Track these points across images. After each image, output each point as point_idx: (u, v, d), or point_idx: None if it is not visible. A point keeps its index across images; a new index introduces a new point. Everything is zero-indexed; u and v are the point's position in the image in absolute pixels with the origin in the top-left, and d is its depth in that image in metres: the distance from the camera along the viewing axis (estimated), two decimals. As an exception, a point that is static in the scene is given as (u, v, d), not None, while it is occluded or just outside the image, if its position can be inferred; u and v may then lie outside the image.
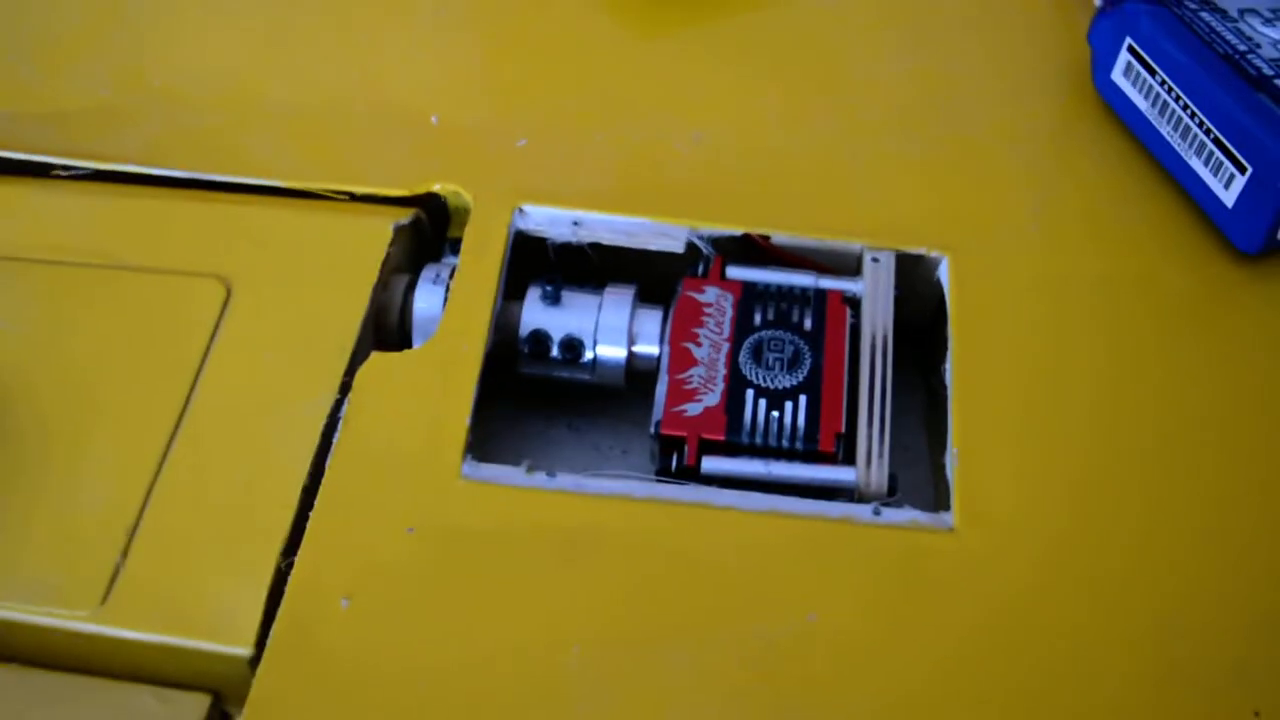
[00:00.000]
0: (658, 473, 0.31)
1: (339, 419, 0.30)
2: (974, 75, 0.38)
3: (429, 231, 0.35)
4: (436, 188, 0.34)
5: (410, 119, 0.36)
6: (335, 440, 0.30)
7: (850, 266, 0.34)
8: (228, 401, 0.30)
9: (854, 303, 0.33)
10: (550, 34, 0.39)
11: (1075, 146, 0.36)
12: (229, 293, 0.32)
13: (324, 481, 0.29)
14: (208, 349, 0.31)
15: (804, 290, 0.33)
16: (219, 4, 0.39)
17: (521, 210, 0.34)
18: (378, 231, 0.33)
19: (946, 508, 0.30)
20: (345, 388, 0.31)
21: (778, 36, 0.38)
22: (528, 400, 0.35)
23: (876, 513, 0.29)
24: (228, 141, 0.36)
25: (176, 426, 0.30)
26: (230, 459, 0.29)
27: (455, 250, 0.34)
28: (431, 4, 0.40)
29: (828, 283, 0.33)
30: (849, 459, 0.30)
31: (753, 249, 0.34)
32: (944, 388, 0.32)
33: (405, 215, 0.34)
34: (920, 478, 0.33)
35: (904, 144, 0.36)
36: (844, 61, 0.38)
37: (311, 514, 0.28)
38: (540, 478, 0.29)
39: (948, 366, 0.32)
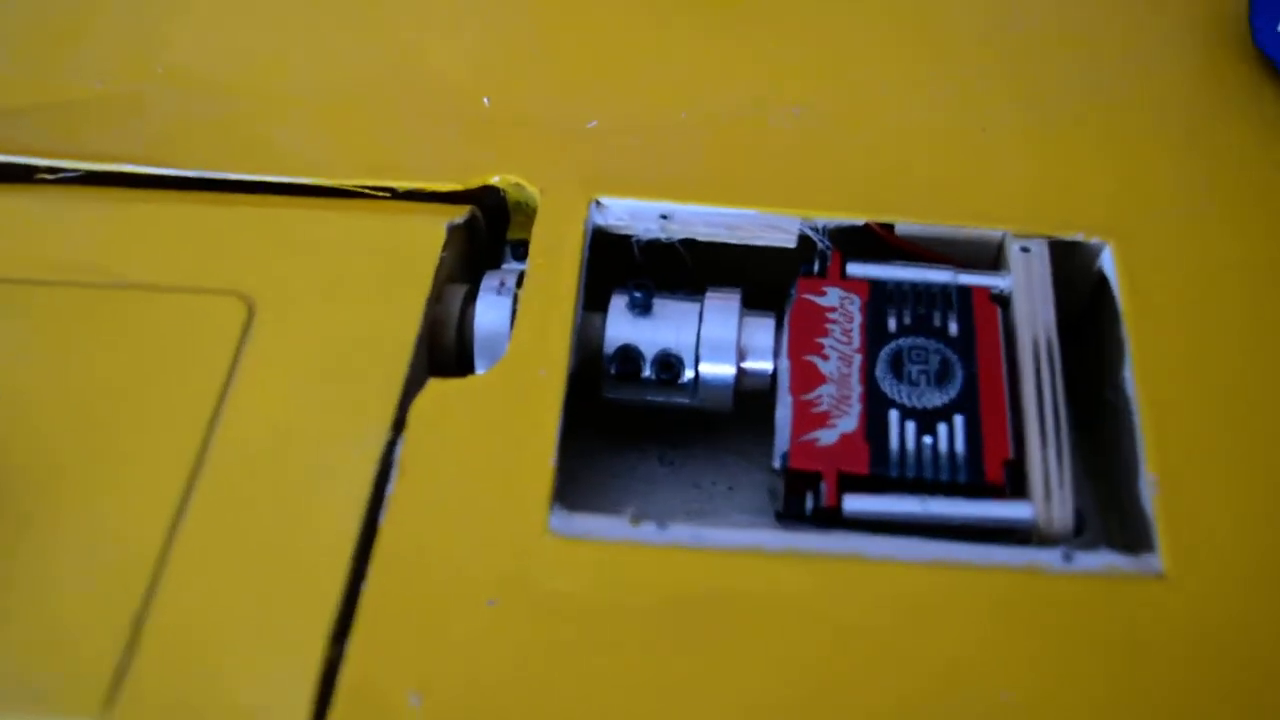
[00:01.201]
0: (783, 516, 0.25)
1: (393, 463, 0.24)
2: (1110, 31, 0.32)
3: (484, 233, 0.30)
4: (494, 180, 0.29)
5: (460, 100, 0.30)
6: (389, 491, 0.24)
7: (989, 258, 0.29)
8: (254, 447, 0.25)
9: (1003, 300, 0.27)
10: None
11: (1235, 109, 0.31)
12: (251, 312, 0.26)
13: (378, 544, 0.23)
14: (227, 382, 0.25)
15: (943, 288, 0.27)
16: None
17: (598, 203, 0.28)
18: (428, 233, 0.28)
19: (1147, 548, 0.24)
20: (399, 424, 0.25)
21: (887, -3, 0.33)
22: (607, 428, 0.30)
23: (1067, 558, 0.24)
24: (247, 134, 0.30)
25: (191, 481, 0.24)
26: (260, 519, 0.24)
27: (516, 254, 0.29)
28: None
29: (970, 278, 0.28)
30: (1019, 491, 0.25)
31: (873, 242, 0.28)
32: (1122, 399, 0.26)
33: (459, 213, 0.28)
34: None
35: (1040, 112, 0.30)
36: (963, 20, 0.32)
37: (364, 586, 0.23)
38: (649, 530, 0.24)
39: (1127, 373, 0.26)
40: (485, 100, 0.30)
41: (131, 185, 0.29)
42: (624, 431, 0.30)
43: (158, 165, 0.29)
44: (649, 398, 0.28)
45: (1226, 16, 0.32)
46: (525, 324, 0.26)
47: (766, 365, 0.27)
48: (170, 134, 0.30)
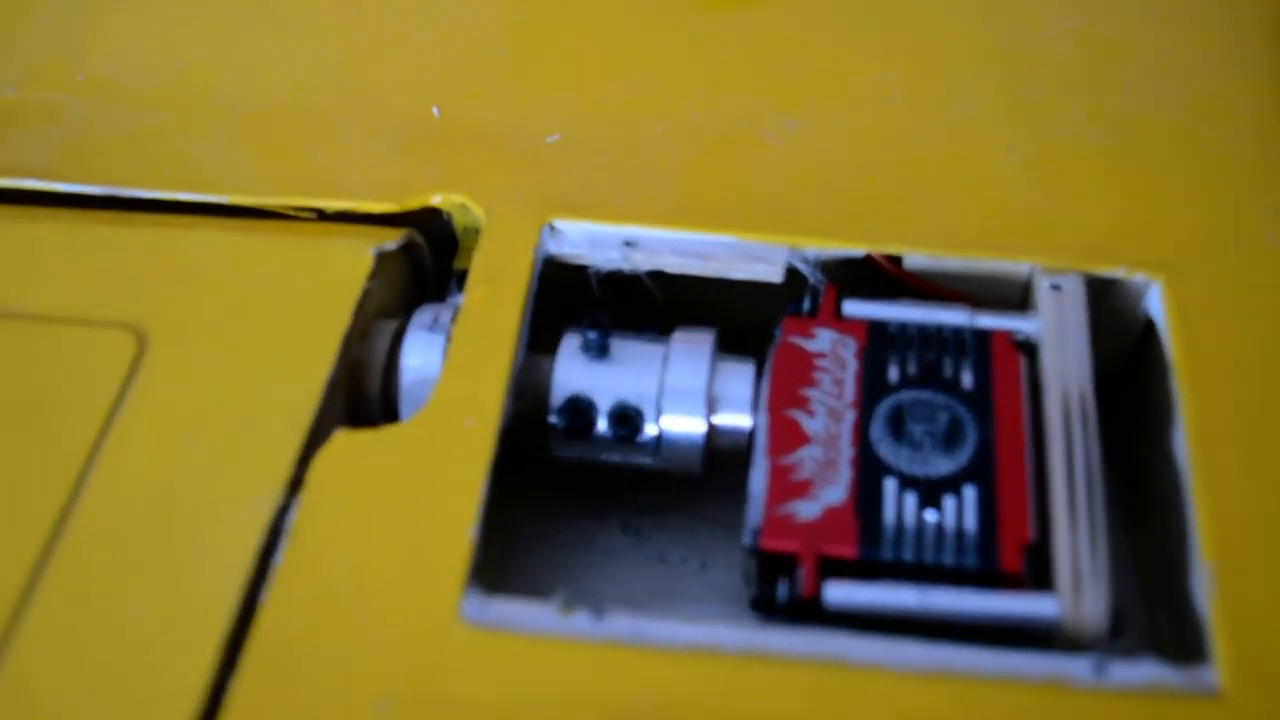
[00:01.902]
0: (755, 604, 0.21)
1: (282, 530, 0.20)
2: (1160, 35, 0.28)
3: (430, 261, 0.26)
4: (436, 200, 0.25)
5: (404, 111, 0.27)
6: (275, 564, 0.20)
7: (1013, 296, 0.24)
8: (126, 504, 0.21)
9: (1029, 348, 0.23)
10: (591, -1, 0.29)
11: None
12: (142, 347, 0.23)
13: (255, 628, 0.19)
14: (105, 428, 0.22)
15: (956, 332, 0.23)
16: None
17: (552, 228, 0.24)
18: (353, 260, 0.24)
19: (1199, 657, 0.19)
20: (296, 483, 0.21)
21: (893, -4, 0.29)
22: (564, 488, 0.25)
23: (1100, 669, 0.19)
24: (166, 148, 0.26)
25: (50, 542, 0.20)
26: (121, 592, 0.20)
27: (463, 285, 0.25)
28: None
29: (989, 320, 0.23)
30: (1042, 582, 0.20)
31: (877, 276, 0.24)
32: (1171, 469, 0.22)
33: (393, 237, 0.24)
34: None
35: (1072, 127, 0.26)
36: (980, 24, 0.28)
37: (233, 681, 0.19)
38: (582, 620, 0.19)
39: (1178, 438, 0.22)
40: (435, 110, 0.26)
41: (34, 203, 0.26)
42: (584, 492, 0.25)
43: (64, 181, 0.26)
44: (604, 456, 0.23)
45: (1298, 22, 0.28)
46: (455, 366, 0.22)
47: (743, 420, 0.23)
48: (83, 147, 0.27)
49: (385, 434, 0.21)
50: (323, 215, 0.25)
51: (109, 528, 0.20)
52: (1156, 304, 0.23)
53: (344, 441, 0.21)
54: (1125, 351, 0.24)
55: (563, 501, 0.25)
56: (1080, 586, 0.20)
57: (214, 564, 0.20)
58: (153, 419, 0.22)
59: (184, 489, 0.21)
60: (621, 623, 0.19)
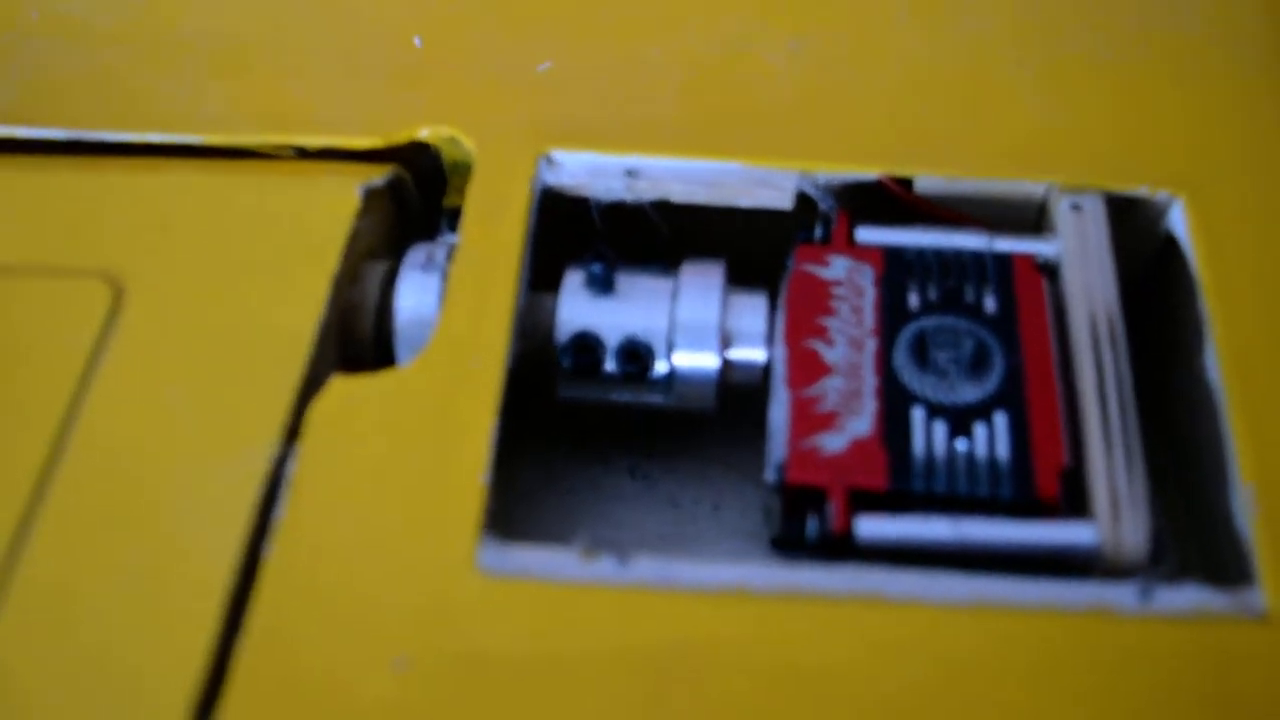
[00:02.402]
0: (778, 542, 0.20)
1: (282, 481, 0.19)
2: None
3: (416, 198, 0.24)
4: (423, 133, 0.24)
5: (385, 40, 0.25)
6: (277, 517, 0.19)
7: (1030, 218, 0.23)
8: (112, 461, 0.19)
9: (1050, 270, 0.22)
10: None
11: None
12: (119, 297, 0.21)
13: (259, 585, 0.18)
14: (84, 381, 0.20)
15: (976, 255, 0.22)
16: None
17: (549, 158, 0.23)
18: (338, 198, 0.22)
19: (1245, 580, 0.19)
20: (293, 432, 0.20)
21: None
22: (568, 433, 0.24)
23: (1145, 595, 0.18)
24: (130, 86, 0.25)
25: (33, 504, 0.19)
26: (114, 552, 0.19)
27: (453, 224, 0.24)
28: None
29: (1007, 244, 0.22)
30: (1079, 509, 0.19)
31: (888, 200, 0.23)
32: (1203, 390, 0.21)
33: (379, 174, 0.23)
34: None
35: (1087, 43, 0.25)
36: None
37: (239, 639, 0.18)
38: (606, 565, 0.18)
39: (1209, 358, 0.21)
40: (416, 40, 0.25)
41: (-9, 149, 0.24)
42: (588, 437, 0.24)
43: (22, 125, 0.24)
44: (613, 397, 0.22)
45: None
46: (455, 306, 0.21)
47: (758, 354, 0.22)
48: (42, 88, 0.25)
49: (385, 378, 0.20)
50: (303, 153, 0.24)
51: (94, 489, 0.19)
52: (1179, 222, 0.22)
53: (341, 387, 0.20)
54: (1142, 271, 0.24)
55: (566, 446, 0.24)
56: (1119, 512, 0.19)
57: (210, 521, 0.19)
58: (134, 372, 0.20)
59: (172, 445, 0.20)
60: (647, 567, 0.18)
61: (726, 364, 0.22)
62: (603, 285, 0.22)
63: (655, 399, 0.22)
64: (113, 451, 0.20)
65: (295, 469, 0.19)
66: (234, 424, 0.20)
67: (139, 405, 0.20)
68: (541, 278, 0.23)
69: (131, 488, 0.19)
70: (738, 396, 0.22)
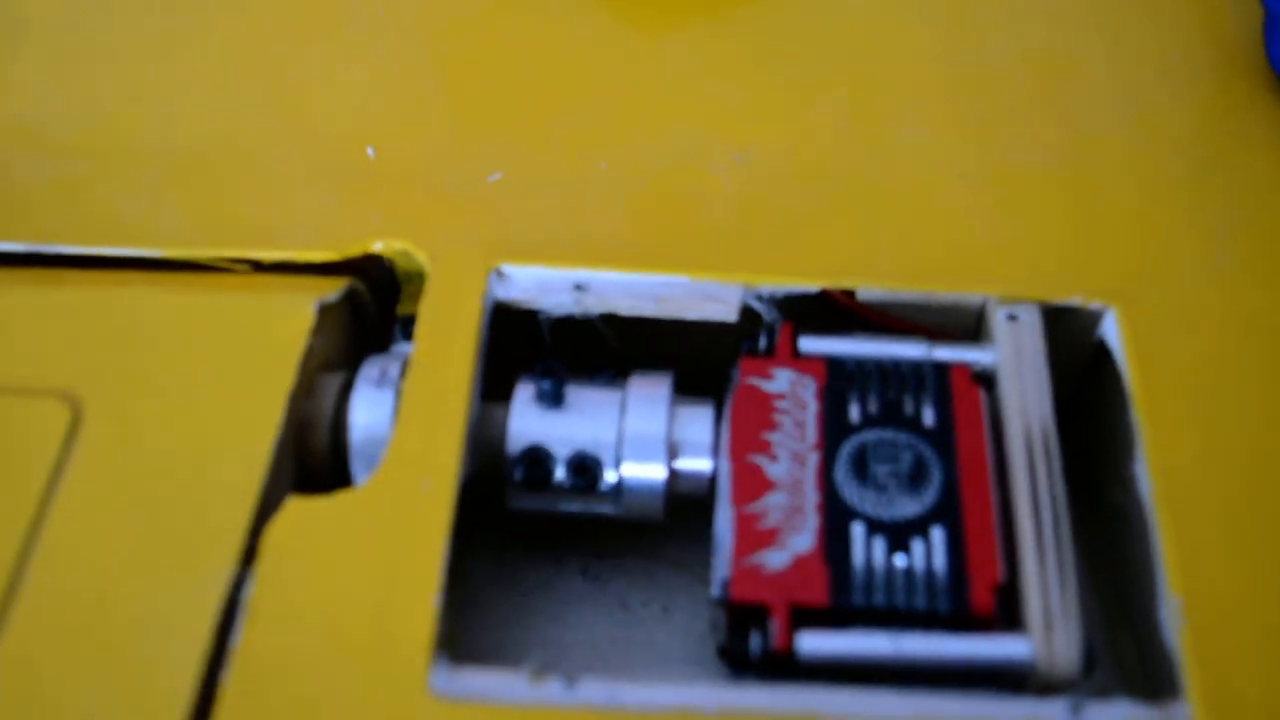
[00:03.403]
0: (724, 654, 0.21)
1: (239, 604, 0.19)
2: (1102, 55, 0.28)
3: (372, 308, 0.25)
4: (378, 246, 0.24)
5: (339, 153, 0.26)
6: (233, 642, 0.19)
7: (969, 327, 0.24)
8: (70, 587, 0.20)
9: (987, 379, 0.23)
10: (530, 31, 0.28)
11: (1253, 144, 0.26)
12: (77, 417, 0.22)
13: (217, 712, 0.19)
14: (43, 504, 0.21)
15: (915, 366, 0.23)
16: (73, 17, 0.29)
17: (499, 272, 0.24)
18: (294, 314, 0.23)
19: (1172, 693, 0.19)
20: (250, 554, 0.20)
21: (838, 20, 0.28)
22: (523, 532, 0.25)
23: (1076, 710, 0.19)
24: (87, 199, 0.25)
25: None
26: (69, 682, 0.19)
27: (407, 332, 0.24)
28: (366, 3, 0.29)
29: (946, 352, 0.23)
30: (1013, 622, 0.20)
31: (833, 311, 0.24)
32: (1132, 500, 0.22)
33: (334, 288, 0.24)
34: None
35: (1023, 153, 0.26)
36: (928, 47, 0.28)
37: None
38: (554, 688, 0.19)
39: (1139, 468, 0.22)
40: (369, 150, 0.26)
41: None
42: (542, 536, 0.25)
43: (-19, 237, 0.24)
44: (563, 507, 0.23)
45: (1237, 40, 0.28)
46: (407, 423, 0.21)
47: (704, 465, 0.22)
48: (1, 199, 0.25)
49: (340, 499, 0.21)
50: (259, 266, 0.24)
51: (51, 615, 0.19)
52: (1112, 331, 0.23)
53: (297, 509, 0.21)
54: (1074, 379, 0.24)
55: (519, 547, 0.25)
56: (1052, 625, 0.20)
57: (168, 648, 0.19)
58: (93, 494, 0.21)
59: (131, 568, 0.20)
60: (594, 689, 0.19)
61: (674, 474, 0.22)
62: (552, 400, 0.22)
63: (605, 509, 0.23)
64: (71, 576, 0.20)
65: (252, 593, 0.20)
66: (191, 547, 0.20)
67: (97, 529, 0.20)
68: (492, 388, 0.23)
69: (89, 613, 0.19)
70: (689, 505, 0.23)
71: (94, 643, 0.19)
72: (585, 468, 0.22)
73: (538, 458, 0.22)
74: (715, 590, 0.20)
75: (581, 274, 0.23)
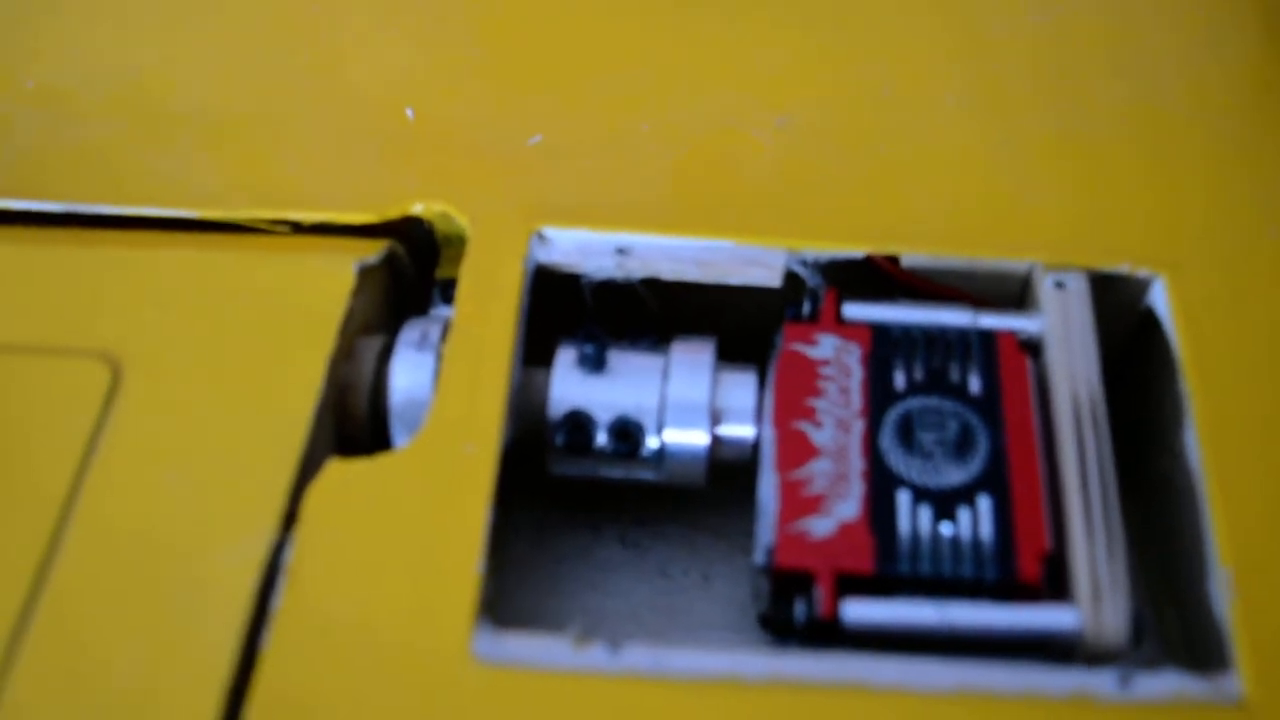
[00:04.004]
0: (765, 621, 0.20)
1: (279, 569, 0.19)
2: (1155, 18, 0.27)
3: (411, 271, 0.25)
4: (417, 209, 0.24)
5: (377, 114, 0.25)
6: (274, 607, 0.19)
7: (1013, 293, 0.24)
8: (110, 553, 0.20)
9: (1033, 347, 0.22)
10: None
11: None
12: (117, 377, 0.21)
13: (257, 678, 0.18)
14: (82, 466, 0.21)
15: (961, 333, 0.22)
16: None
17: (541, 235, 0.23)
18: (334, 276, 0.23)
19: (1221, 665, 0.19)
20: (290, 517, 0.20)
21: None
22: (559, 499, 0.25)
23: (1124, 681, 0.19)
24: (125, 161, 0.25)
25: (31, 597, 0.19)
26: (112, 648, 0.19)
27: (446, 296, 0.24)
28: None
29: (992, 320, 0.23)
30: (1061, 592, 0.20)
31: (876, 277, 0.24)
32: (1182, 471, 0.21)
33: (374, 250, 0.23)
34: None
35: (1074, 120, 0.25)
36: (979, 12, 0.27)
37: (240, 728, 0.18)
38: (598, 653, 0.19)
39: (1189, 438, 0.21)
40: (408, 112, 0.25)
41: (-13, 221, 0.24)
42: (580, 503, 0.25)
43: (18, 198, 0.24)
44: (604, 472, 0.23)
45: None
46: (449, 387, 0.21)
47: (747, 431, 0.22)
48: (37, 161, 0.25)
49: (381, 462, 0.21)
50: (297, 228, 0.24)
51: (93, 578, 0.19)
52: (1161, 300, 0.23)
53: (338, 471, 0.20)
54: (1122, 347, 0.24)
55: (558, 513, 0.25)
56: (1100, 596, 0.19)
57: (209, 610, 0.19)
58: (133, 456, 0.21)
59: (171, 531, 0.20)
60: (639, 654, 0.19)
61: (716, 440, 0.22)
62: (594, 365, 0.22)
63: (646, 475, 0.23)
64: (112, 538, 0.20)
65: (292, 557, 0.20)
66: (232, 510, 0.20)
67: (138, 490, 0.20)
68: (533, 351, 0.23)
69: (131, 575, 0.19)
70: (729, 470, 0.23)
71: (135, 606, 0.19)
72: (627, 433, 0.22)
73: (579, 423, 0.22)
74: (759, 557, 0.20)
75: (623, 237, 0.23)
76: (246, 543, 0.20)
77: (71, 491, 0.20)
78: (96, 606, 0.19)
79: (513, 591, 0.23)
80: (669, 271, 0.23)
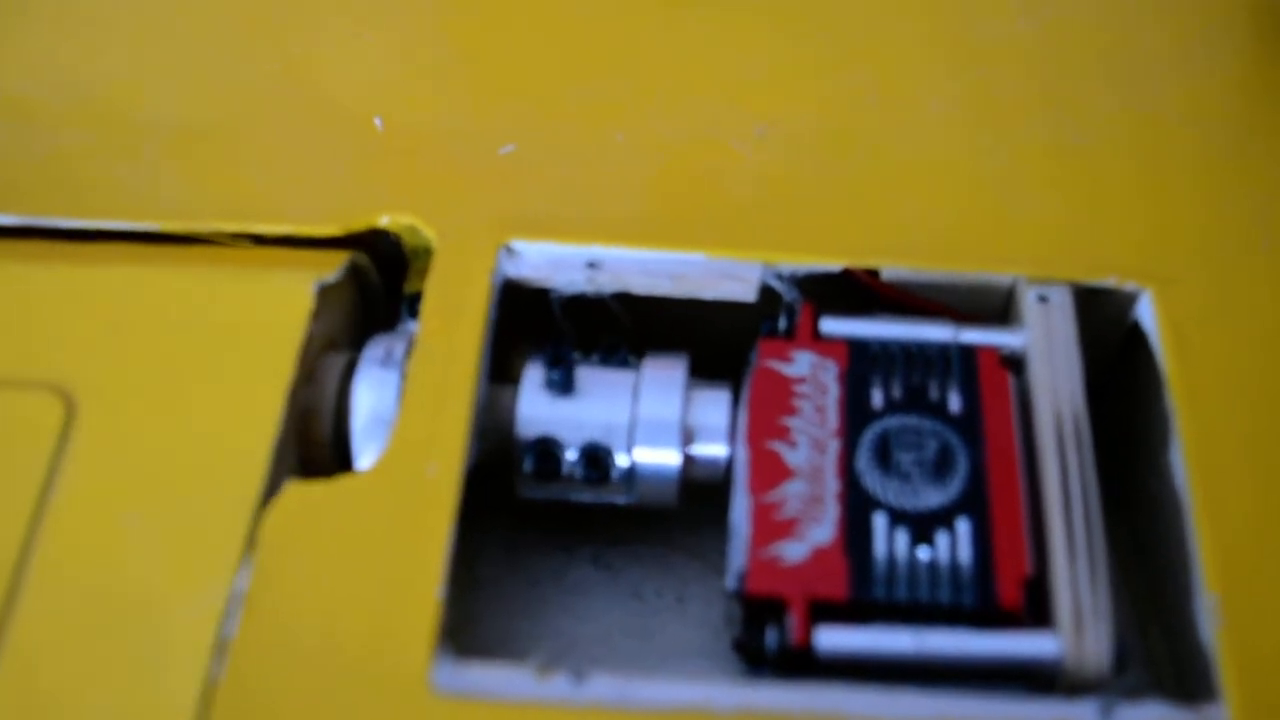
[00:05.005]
0: (739, 648, 0.20)
1: (238, 595, 0.19)
2: (1144, 29, 0.27)
3: (378, 284, 0.24)
4: (383, 221, 0.23)
5: (345, 124, 0.25)
6: (229, 636, 0.18)
7: (996, 308, 0.23)
8: (70, 584, 0.19)
9: (1016, 362, 0.22)
10: (542, -2, 0.27)
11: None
12: (71, 411, 0.21)
13: (213, 705, 0.18)
14: (40, 500, 0.20)
15: (942, 349, 0.22)
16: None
17: (510, 249, 0.23)
18: (293, 296, 0.22)
19: (1208, 695, 0.19)
20: (252, 543, 0.19)
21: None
22: (532, 518, 0.24)
23: (1106, 712, 0.18)
24: (83, 172, 0.24)
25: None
26: (75, 685, 0.18)
27: (414, 310, 0.23)
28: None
29: (974, 334, 0.22)
30: (1042, 618, 0.19)
31: (855, 291, 0.23)
32: (1168, 490, 0.21)
33: (337, 264, 0.23)
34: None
35: (1055, 130, 0.25)
36: (958, 19, 0.27)
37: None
38: (561, 684, 0.18)
39: (1174, 456, 0.21)
40: (377, 122, 0.25)
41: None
42: (551, 525, 0.24)
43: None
44: (575, 497, 0.22)
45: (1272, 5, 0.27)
46: (413, 406, 0.21)
47: (720, 450, 0.22)
48: (-3, 171, 0.25)
49: (341, 484, 0.20)
50: (260, 240, 0.23)
51: (53, 624, 0.18)
52: (1147, 314, 0.22)
53: (296, 494, 0.20)
54: (1107, 363, 0.24)
55: (530, 535, 0.24)
56: (1082, 623, 0.19)
57: (173, 654, 0.18)
58: (90, 493, 0.20)
59: (132, 573, 0.19)
60: (603, 684, 0.18)
61: (688, 460, 0.22)
62: (561, 389, 0.22)
63: (617, 498, 0.22)
64: (70, 584, 0.19)
65: (249, 583, 0.19)
66: (193, 549, 0.19)
67: (95, 534, 0.19)
68: (501, 366, 0.22)
69: (93, 613, 0.19)
70: (704, 492, 0.22)
71: (98, 642, 0.18)
72: (597, 459, 0.21)
73: (548, 450, 0.21)
74: (731, 582, 0.20)
75: (595, 251, 0.23)
76: (209, 583, 0.19)
77: (29, 534, 0.19)
78: (57, 653, 0.18)
79: (484, 614, 0.23)
80: (641, 286, 0.23)
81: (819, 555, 0.19)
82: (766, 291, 0.23)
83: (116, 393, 0.21)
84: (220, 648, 0.18)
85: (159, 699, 0.18)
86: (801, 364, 0.22)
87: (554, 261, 0.23)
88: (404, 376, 0.21)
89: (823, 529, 0.20)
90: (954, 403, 0.21)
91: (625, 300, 0.23)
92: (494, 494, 0.22)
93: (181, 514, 0.19)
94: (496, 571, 0.24)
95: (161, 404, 0.21)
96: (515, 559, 0.24)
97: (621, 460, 0.21)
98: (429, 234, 0.23)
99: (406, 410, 0.21)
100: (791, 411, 0.21)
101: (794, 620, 0.19)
